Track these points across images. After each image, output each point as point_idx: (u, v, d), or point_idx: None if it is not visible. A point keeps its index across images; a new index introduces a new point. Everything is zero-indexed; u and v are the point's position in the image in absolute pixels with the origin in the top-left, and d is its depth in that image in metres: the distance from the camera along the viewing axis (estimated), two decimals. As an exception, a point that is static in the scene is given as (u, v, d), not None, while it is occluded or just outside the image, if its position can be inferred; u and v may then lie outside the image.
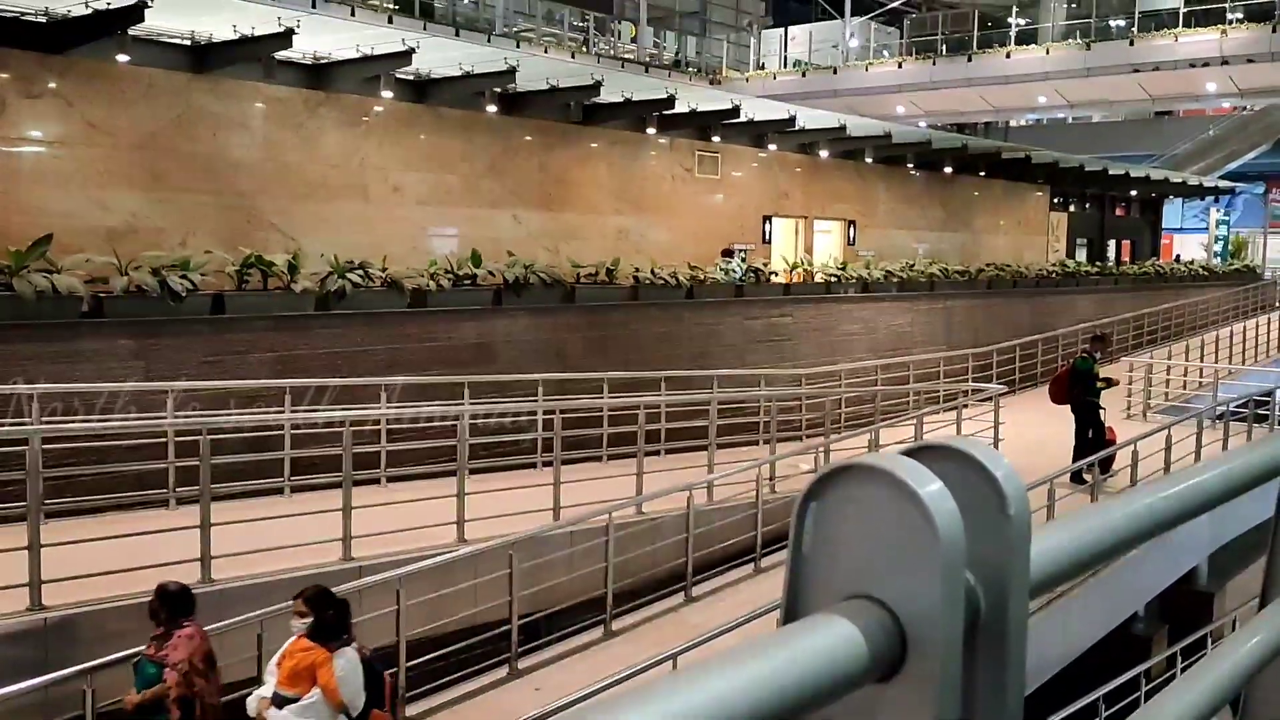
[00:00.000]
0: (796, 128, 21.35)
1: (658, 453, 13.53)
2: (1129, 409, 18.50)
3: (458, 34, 16.86)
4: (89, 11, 12.63)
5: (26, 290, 10.83)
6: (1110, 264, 33.26)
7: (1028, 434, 15.58)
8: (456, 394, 12.82)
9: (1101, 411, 14.07)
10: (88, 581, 7.25)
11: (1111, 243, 35.66)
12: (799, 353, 19.67)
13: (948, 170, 26.39)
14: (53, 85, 13.13)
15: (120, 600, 7.27)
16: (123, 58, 13.10)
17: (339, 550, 8.71)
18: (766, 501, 11.51)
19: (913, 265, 23.67)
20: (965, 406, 15.55)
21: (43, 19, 12.99)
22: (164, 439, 10.14)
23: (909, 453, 0.94)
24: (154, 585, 6.19)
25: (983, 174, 27.59)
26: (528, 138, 18.15)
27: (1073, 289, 28.34)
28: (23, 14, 12.82)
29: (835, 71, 24.56)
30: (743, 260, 19.92)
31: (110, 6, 12.48)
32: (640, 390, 14.04)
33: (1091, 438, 13.82)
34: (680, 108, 19.32)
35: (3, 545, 7.10)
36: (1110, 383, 14.61)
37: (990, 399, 15.21)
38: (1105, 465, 13.08)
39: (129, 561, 7.43)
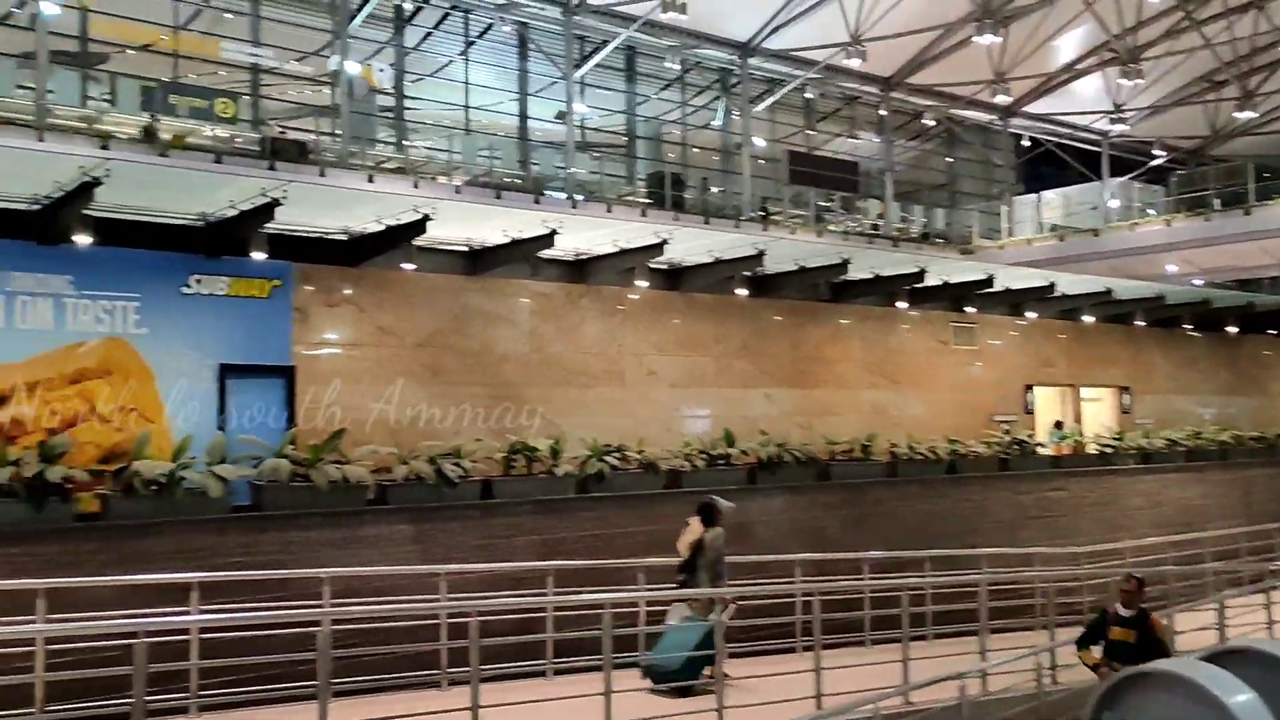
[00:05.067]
0: (1056, 294, 20.63)
1: (923, 637, 12.81)
2: None
3: (707, 222, 17.60)
4: (381, 228, 14.10)
5: (321, 481, 11.83)
6: None
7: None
8: (714, 575, 12.70)
9: None
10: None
11: None
12: (1075, 529, 18.38)
13: (1232, 330, 24.57)
14: (348, 293, 14.62)
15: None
16: (408, 266, 14.45)
17: (600, 736, 8.64)
18: (1048, 693, 10.57)
19: (1200, 433, 21.89)
20: (1275, 589, 13.89)
21: (343, 237, 14.61)
22: (437, 620, 10.55)
23: (1212, 657, 0.84)
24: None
25: (1274, 332, 25.50)
26: (778, 317, 18.43)
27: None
28: (326, 234, 14.47)
29: (1096, 234, 23.70)
30: (1060, 429, 19.53)
31: (399, 222, 13.89)
32: (902, 570, 13.45)
33: None
34: (932, 280, 19.14)
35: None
36: None
37: (1305, 579, 13.54)
38: None
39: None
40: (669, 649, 10.11)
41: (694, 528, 10.97)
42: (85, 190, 11.63)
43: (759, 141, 23.54)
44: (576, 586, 11.29)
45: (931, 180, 28.16)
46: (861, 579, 12.97)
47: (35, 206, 12.46)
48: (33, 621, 8.11)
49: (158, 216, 13.32)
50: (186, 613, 8.97)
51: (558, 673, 10.75)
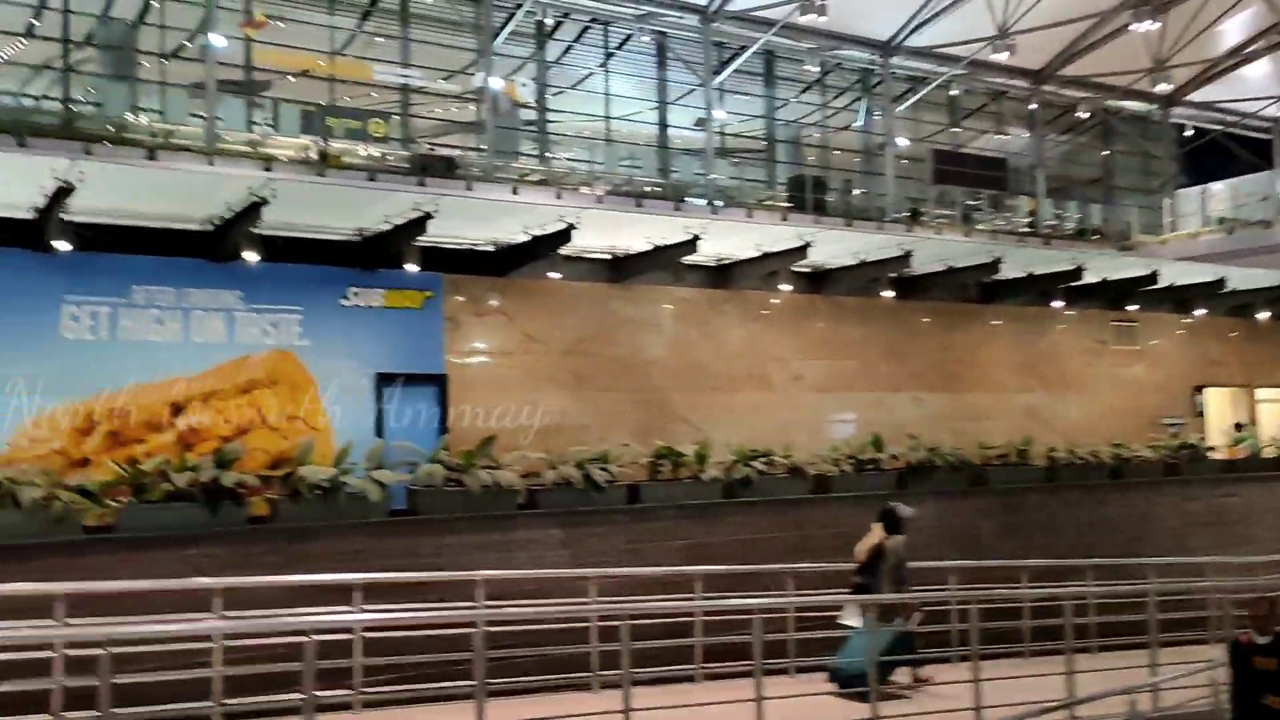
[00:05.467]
0: (1227, 289, 19.56)
1: (1086, 649, 12.29)
2: None
3: (849, 224, 17.32)
4: (527, 238, 14.40)
5: (474, 485, 12.15)
6: None
7: None
8: (864, 582, 12.49)
9: None
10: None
11: None
12: (1251, 537, 17.36)
13: None
14: (496, 303, 14.98)
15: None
16: (554, 275, 14.72)
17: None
18: (1226, 709, 10.00)
19: (1397, 436, 20.43)
20: None
21: (491, 248, 14.99)
22: (587, 623, 10.68)
23: None
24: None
25: None
26: (925, 319, 18.04)
27: None
28: (475, 246, 14.88)
29: (1269, 225, 22.37)
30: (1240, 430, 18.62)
31: (544, 232, 14.16)
32: (1063, 579, 12.95)
33: None
34: (1089, 278, 18.42)
35: (455, 721, 7.71)
36: None
37: None
38: None
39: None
40: (856, 653, 9.99)
41: (874, 533, 10.91)
42: (253, 210, 12.26)
43: (902, 141, 23.09)
44: (723, 591, 11.26)
45: (1085, 174, 27.08)
46: (1018, 588, 12.57)
47: (209, 227, 13.21)
48: (210, 619, 8.56)
49: (318, 233, 13.95)
50: (350, 612, 9.31)
51: (707, 678, 10.76)
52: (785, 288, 16.68)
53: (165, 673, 8.20)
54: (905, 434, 16.43)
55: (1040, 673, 10.48)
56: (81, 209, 11.77)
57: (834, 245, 16.47)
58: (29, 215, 12.23)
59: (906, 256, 16.49)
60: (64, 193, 11.36)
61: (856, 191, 23.08)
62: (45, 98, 13.13)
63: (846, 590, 11.05)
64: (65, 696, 7.73)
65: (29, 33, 13.63)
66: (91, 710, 6.40)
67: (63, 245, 11.88)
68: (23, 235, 12.27)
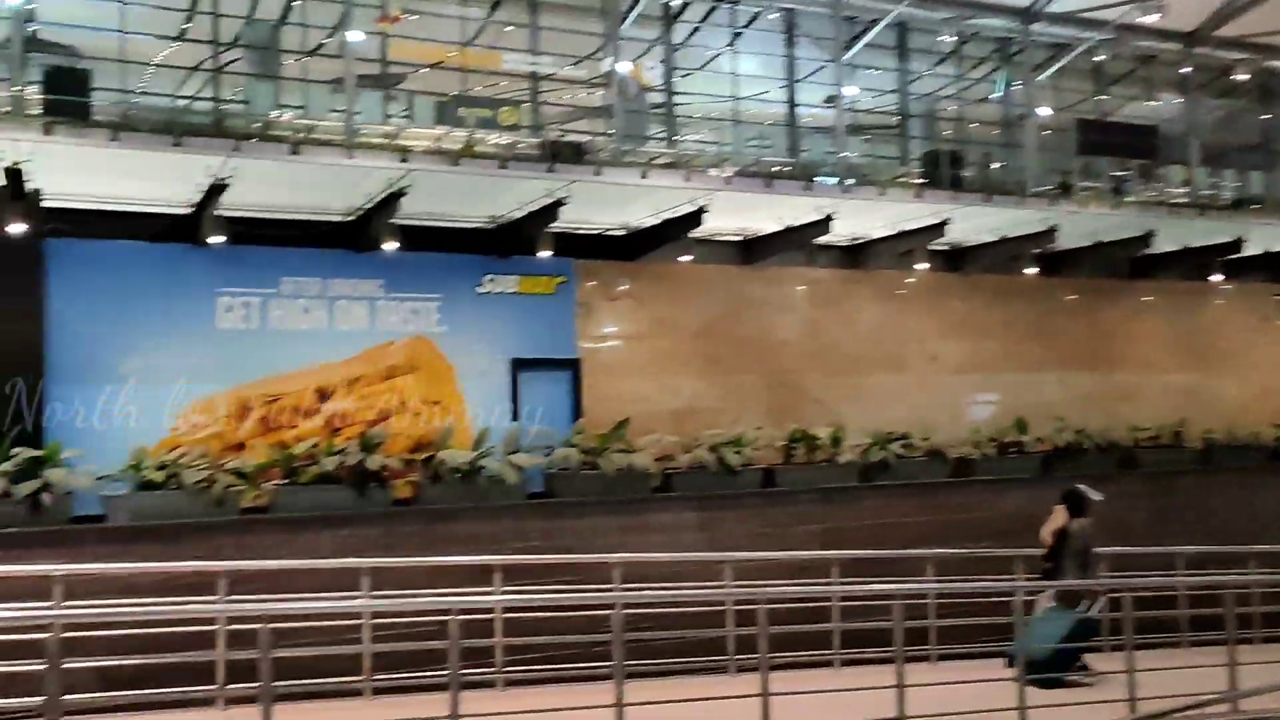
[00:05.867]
0: None
1: (1249, 640, 11.67)
2: None
3: (988, 200, 16.76)
4: (659, 221, 14.41)
5: (609, 469, 12.28)
6: None
7: None
8: (1007, 568, 12.14)
9: None
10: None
11: None
12: None
13: None
14: (627, 287, 15.05)
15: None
16: (685, 258, 14.69)
17: (896, 730, 8.44)
18: (1407, 708, 9.35)
19: None
20: None
21: (621, 232, 15.05)
22: (723, 607, 10.67)
23: None
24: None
25: None
26: (1071, 297, 17.38)
27: None
28: (606, 230, 14.97)
29: None
30: None
31: (675, 214, 14.14)
32: (1222, 567, 12.32)
33: None
34: (1250, 250, 17.42)
35: (594, 703, 7.78)
36: None
37: None
38: None
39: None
40: (1038, 639, 9.77)
41: (1057, 516, 10.63)
42: (392, 200, 12.59)
43: (1044, 111, 22.23)
44: (858, 576, 11.09)
45: (1243, 140, 25.59)
46: (1173, 575, 12.02)
47: (350, 218, 13.62)
48: (360, 598, 8.86)
49: (454, 221, 14.24)
50: (492, 593, 9.51)
51: (845, 664, 10.62)
52: (921, 266, 16.27)
53: (319, 648, 8.52)
54: (1048, 416, 15.88)
55: (1198, 664, 10.02)
56: (232, 204, 12.29)
57: (973, 221, 15.99)
58: (186, 211, 12.83)
59: (1050, 232, 15.89)
60: (216, 189, 11.87)
61: (995, 165, 22.33)
62: (196, 98, 13.73)
63: (993, 576, 10.75)
64: (228, 669, 8.13)
65: (180, 36, 14.25)
66: (252, 682, 6.69)
67: (216, 239, 12.43)
68: (181, 230, 12.89)
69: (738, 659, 10.30)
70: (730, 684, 9.73)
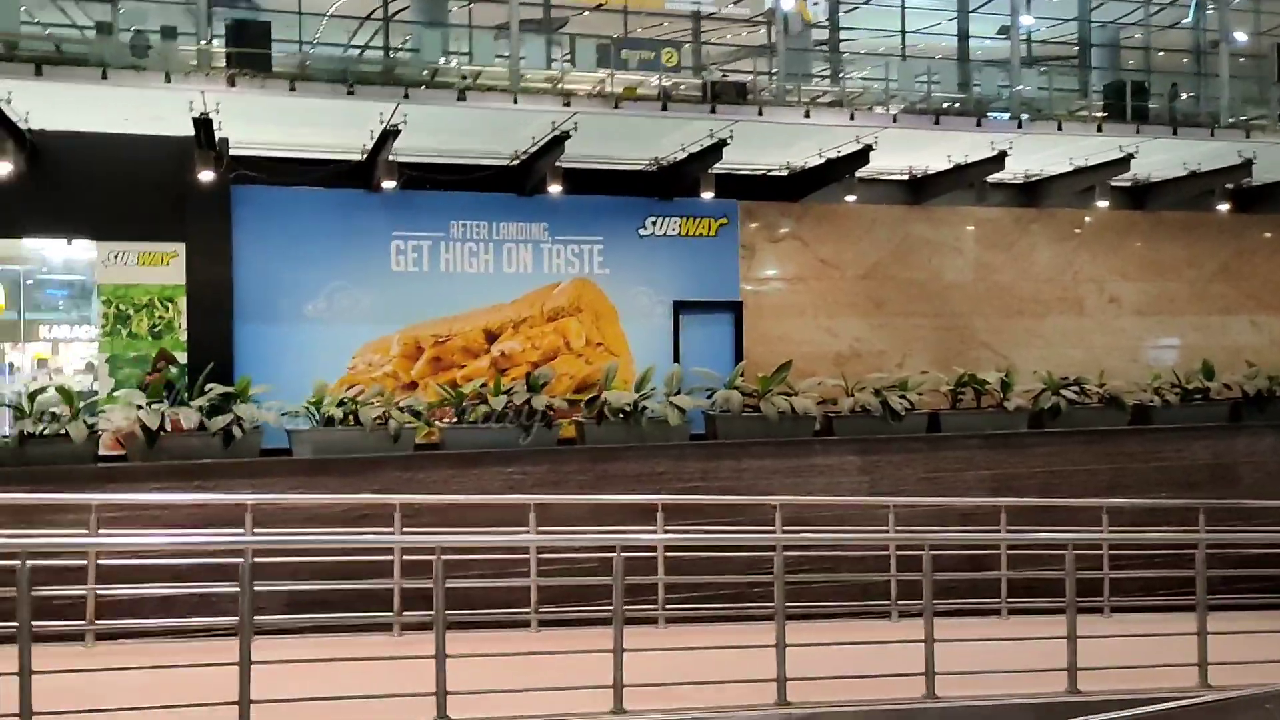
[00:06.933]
0: None
1: None
2: None
3: (1175, 133, 15.73)
4: (822, 161, 14.11)
5: (771, 411, 12.22)
6: None
7: None
8: (1189, 520, 11.56)
9: None
10: (824, 683, 7.68)
11: None
12: None
13: None
14: (790, 229, 14.84)
15: (854, 705, 7.56)
16: (850, 198, 14.36)
17: (1064, 681, 8.21)
18: None
19: None
20: None
21: (784, 173, 14.82)
22: (885, 552, 10.54)
23: None
24: (879, 693, 6.30)
25: None
26: (1267, 234, 16.22)
27: None
28: (769, 171, 14.75)
29: None
30: None
31: (840, 154, 13.81)
32: None
33: None
34: None
35: (754, 641, 7.84)
36: None
37: None
38: None
39: (859, 669, 7.74)
40: None
41: None
42: (556, 144, 12.72)
43: (1240, 37, 20.63)
44: (1027, 525, 10.76)
45: None
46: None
47: (515, 163, 13.85)
48: (528, 533, 9.13)
49: (616, 164, 14.30)
50: (654, 532, 9.65)
51: (1011, 612, 10.37)
52: (1101, 204, 15.44)
53: (488, 580, 8.85)
54: (1239, 361, 14.95)
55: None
56: (403, 149, 12.65)
57: (1159, 156, 15.05)
58: (360, 157, 13.29)
59: (1246, 165, 14.82)
60: (388, 135, 12.24)
61: (1185, 96, 20.92)
62: (368, 46, 14.14)
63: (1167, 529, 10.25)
64: (402, 596, 8.53)
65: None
66: (426, 610, 7.00)
67: (389, 184, 12.85)
68: (357, 176, 13.38)
69: (900, 604, 10.19)
70: (892, 629, 9.65)
